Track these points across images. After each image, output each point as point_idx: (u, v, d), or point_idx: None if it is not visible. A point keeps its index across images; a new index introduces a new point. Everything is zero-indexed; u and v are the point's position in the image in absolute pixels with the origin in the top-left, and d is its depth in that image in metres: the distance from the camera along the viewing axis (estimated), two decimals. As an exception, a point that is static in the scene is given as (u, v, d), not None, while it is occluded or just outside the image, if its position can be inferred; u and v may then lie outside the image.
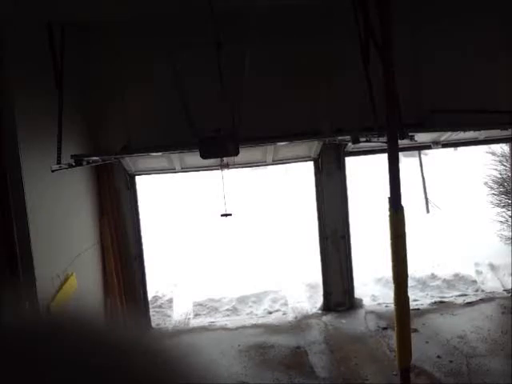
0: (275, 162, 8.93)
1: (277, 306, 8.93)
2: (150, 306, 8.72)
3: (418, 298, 8.65)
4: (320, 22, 7.35)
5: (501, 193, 11.23)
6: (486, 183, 11.59)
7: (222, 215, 8.22)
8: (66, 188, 6.49)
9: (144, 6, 6.34)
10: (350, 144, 7.48)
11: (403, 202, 5.12)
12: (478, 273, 9.45)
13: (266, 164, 9.25)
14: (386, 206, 5.17)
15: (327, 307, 8.49)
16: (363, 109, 6.15)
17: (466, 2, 7.36)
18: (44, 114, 5.80)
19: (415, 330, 6.90)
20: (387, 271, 6.10)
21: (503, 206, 11.10)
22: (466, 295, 8.72)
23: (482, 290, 8.92)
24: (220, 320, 8.54)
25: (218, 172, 8.30)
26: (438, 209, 15.03)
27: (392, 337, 6.47)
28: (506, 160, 10.91)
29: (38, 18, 5.76)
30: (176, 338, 8.01)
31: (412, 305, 5.80)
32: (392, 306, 5.51)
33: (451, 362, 6.45)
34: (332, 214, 8.40)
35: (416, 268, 8.73)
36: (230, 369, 6.59)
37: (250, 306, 8.96)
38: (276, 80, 7.52)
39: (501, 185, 11.25)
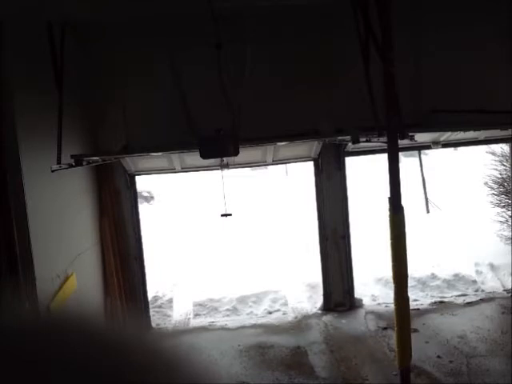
0: (275, 162, 8.94)
1: (277, 306, 8.93)
2: (150, 306, 8.72)
3: (418, 298, 8.65)
4: (320, 22, 7.35)
5: (501, 193, 11.23)
6: (486, 183, 11.58)
7: (222, 215, 8.21)
8: (66, 188, 6.49)
9: (144, 7, 6.33)
10: (350, 144, 7.48)
11: (403, 202, 5.12)
12: (478, 273, 9.45)
13: (266, 164, 9.27)
14: (386, 206, 5.17)
15: (327, 307, 8.49)
16: (363, 109, 6.15)
17: (467, 2, 7.36)
18: (44, 114, 5.80)
19: (415, 330, 6.89)
20: (387, 271, 6.10)
21: (503, 206, 11.09)
22: (466, 295, 8.73)
23: (482, 290, 8.92)
24: (220, 320, 8.54)
25: (218, 172, 8.30)
26: (438, 209, 15.03)
27: (392, 337, 6.47)
28: (506, 160, 10.90)
29: (38, 18, 5.76)
30: (176, 338, 8.01)
31: (412, 305, 5.80)
32: (392, 306, 5.51)
33: (451, 362, 6.45)
34: (332, 214, 8.40)
35: (416, 268, 8.73)
36: (230, 369, 6.59)
37: (250, 306, 8.96)
38: (276, 80, 7.52)
39: (501, 185, 11.25)
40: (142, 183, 18.69)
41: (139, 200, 20.81)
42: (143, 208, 18.74)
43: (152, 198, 20.38)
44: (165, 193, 19.57)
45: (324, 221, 8.45)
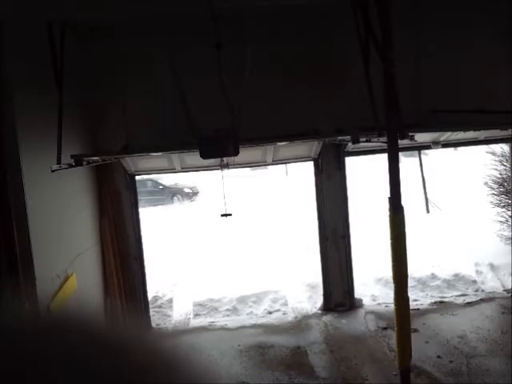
0: (275, 162, 8.94)
1: (277, 306, 8.93)
2: (150, 306, 8.72)
3: (418, 298, 8.65)
4: (320, 22, 7.35)
5: (501, 193, 11.22)
6: (486, 183, 11.58)
7: (222, 215, 8.22)
8: (66, 188, 6.49)
9: (144, 7, 6.33)
10: (350, 144, 7.48)
11: (403, 202, 5.12)
12: (478, 273, 9.45)
13: (266, 164, 9.27)
14: (386, 206, 5.17)
15: (327, 307, 8.49)
16: (363, 109, 6.15)
17: (467, 2, 7.36)
18: (44, 114, 5.80)
19: (415, 330, 6.89)
20: (387, 271, 6.10)
21: (503, 206, 11.09)
22: (466, 295, 8.73)
23: (482, 290, 8.92)
24: (220, 320, 8.54)
25: (218, 172, 8.30)
26: (438, 209, 15.03)
27: (392, 337, 6.47)
28: (506, 160, 10.90)
29: (38, 18, 5.76)
30: (176, 338, 8.01)
31: (412, 305, 5.80)
32: (392, 306, 5.51)
33: (451, 362, 6.44)
34: (332, 214, 8.39)
35: (416, 268, 8.72)
36: (230, 369, 6.59)
37: (250, 306, 8.96)
38: (276, 80, 7.51)
39: (501, 185, 11.24)
40: (186, 179, 18.16)
41: (178, 197, 20.26)
42: (181, 206, 18.32)
43: (195, 194, 19.72)
44: (211, 188, 18.91)
45: (324, 221, 8.45)
